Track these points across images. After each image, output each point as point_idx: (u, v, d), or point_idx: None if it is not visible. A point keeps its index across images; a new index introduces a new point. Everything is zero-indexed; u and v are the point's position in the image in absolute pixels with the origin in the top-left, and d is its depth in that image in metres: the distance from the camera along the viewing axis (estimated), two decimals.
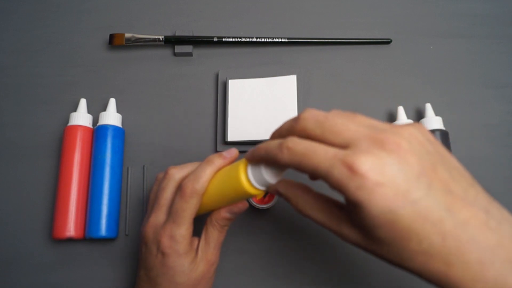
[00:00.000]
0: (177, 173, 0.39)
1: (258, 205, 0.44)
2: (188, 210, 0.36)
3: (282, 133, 0.31)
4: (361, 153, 0.24)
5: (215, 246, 0.39)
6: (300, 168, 0.27)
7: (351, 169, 0.24)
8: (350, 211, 0.27)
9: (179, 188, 0.36)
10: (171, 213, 0.36)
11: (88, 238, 0.44)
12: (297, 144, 0.27)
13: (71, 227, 0.44)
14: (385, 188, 0.23)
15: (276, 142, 0.29)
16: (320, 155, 0.26)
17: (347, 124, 0.27)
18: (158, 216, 0.37)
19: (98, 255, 0.46)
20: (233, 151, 0.37)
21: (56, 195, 0.45)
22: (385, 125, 0.27)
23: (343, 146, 0.26)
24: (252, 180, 0.32)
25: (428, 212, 0.24)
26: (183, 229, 0.36)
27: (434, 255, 0.24)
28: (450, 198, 0.24)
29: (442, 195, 0.24)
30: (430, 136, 0.27)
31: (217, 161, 0.36)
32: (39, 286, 0.45)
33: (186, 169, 0.39)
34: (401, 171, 0.24)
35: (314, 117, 0.28)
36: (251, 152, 0.32)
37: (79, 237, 0.44)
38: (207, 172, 0.36)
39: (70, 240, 0.46)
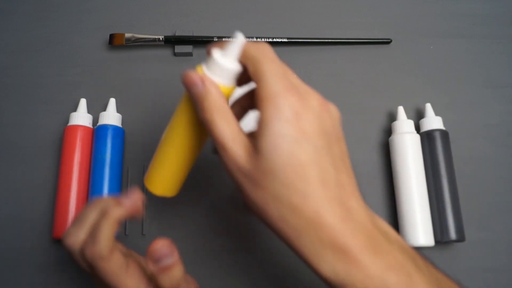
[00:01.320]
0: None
1: None
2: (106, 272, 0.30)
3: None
4: (299, 93, 0.28)
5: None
6: (249, 65, 0.29)
7: (287, 90, 0.28)
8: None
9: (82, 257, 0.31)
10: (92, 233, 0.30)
11: None
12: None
13: None
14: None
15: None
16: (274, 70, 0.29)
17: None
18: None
19: None
20: (135, 196, 0.32)
21: (56, 195, 0.45)
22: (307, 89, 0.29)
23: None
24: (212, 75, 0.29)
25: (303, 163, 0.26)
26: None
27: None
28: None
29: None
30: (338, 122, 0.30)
31: (115, 212, 0.30)
32: (39, 286, 0.45)
33: (83, 228, 0.31)
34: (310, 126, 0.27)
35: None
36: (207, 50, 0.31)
37: None
38: (105, 231, 0.30)
39: None
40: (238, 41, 0.29)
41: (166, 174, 0.35)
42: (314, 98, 0.28)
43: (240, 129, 0.29)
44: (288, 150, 0.26)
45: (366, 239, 0.26)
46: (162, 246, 0.29)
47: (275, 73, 0.28)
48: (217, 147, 0.29)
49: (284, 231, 0.27)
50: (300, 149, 0.26)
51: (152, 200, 0.47)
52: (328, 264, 0.26)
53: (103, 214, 0.30)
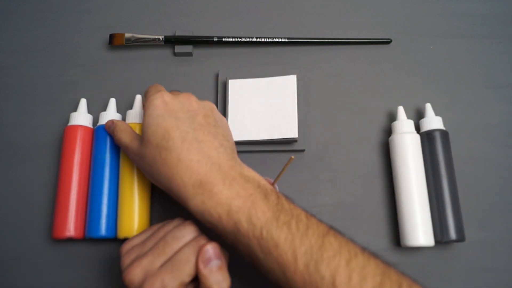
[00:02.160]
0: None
1: None
2: (193, 266, 0.33)
3: None
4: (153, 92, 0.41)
5: None
6: None
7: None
8: None
9: (195, 240, 0.35)
10: (173, 262, 0.33)
11: (88, 238, 0.44)
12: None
13: (71, 227, 0.44)
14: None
15: None
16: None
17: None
18: (155, 258, 0.34)
19: (98, 255, 0.46)
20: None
21: (56, 195, 0.45)
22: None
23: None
24: None
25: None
26: (177, 283, 0.33)
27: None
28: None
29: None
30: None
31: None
32: (39, 286, 0.45)
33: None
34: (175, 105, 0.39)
35: None
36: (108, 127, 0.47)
37: (79, 237, 0.44)
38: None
39: (70, 240, 0.46)
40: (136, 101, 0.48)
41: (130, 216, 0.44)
42: (183, 95, 0.40)
43: (135, 136, 0.42)
44: (156, 122, 0.37)
45: (222, 175, 0.35)
46: (211, 248, 0.34)
47: (154, 90, 0.41)
48: (123, 149, 0.43)
49: (160, 181, 0.37)
50: (164, 120, 0.37)
51: (154, 199, 0.47)
52: (191, 198, 0.34)
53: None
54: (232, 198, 0.33)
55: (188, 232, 0.36)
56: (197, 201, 0.34)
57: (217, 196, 0.34)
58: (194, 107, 0.39)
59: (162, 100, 0.39)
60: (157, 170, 0.36)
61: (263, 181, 0.36)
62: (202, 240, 0.35)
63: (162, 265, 0.34)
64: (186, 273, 0.33)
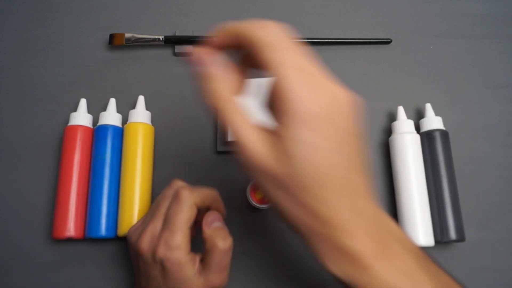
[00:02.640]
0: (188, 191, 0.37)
1: (258, 205, 0.44)
2: (180, 214, 0.35)
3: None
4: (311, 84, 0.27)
5: (217, 270, 0.35)
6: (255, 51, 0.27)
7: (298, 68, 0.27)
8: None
9: (175, 194, 0.36)
10: (166, 220, 0.36)
11: (88, 238, 0.44)
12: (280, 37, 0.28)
13: (71, 227, 0.44)
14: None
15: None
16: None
17: None
18: (156, 225, 0.36)
19: (98, 255, 0.46)
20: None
21: (56, 195, 0.45)
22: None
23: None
24: None
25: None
26: (178, 237, 0.34)
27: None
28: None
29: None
30: None
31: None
32: (39, 286, 0.45)
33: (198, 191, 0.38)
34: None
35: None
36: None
37: (79, 237, 0.44)
38: (205, 190, 0.38)
39: (70, 240, 0.46)
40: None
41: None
42: (339, 96, 0.27)
43: (258, 125, 0.27)
44: (318, 162, 0.25)
45: (375, 243, 0.26)
46: (212, 213, 0.37)
47: (293, 66, 0.26)
48: (235, 142, 0.27)
49: (298, 229, 0.27)
50: (327, 160, 0.26)
51: (154, 197, 0.47)
52: (338, 265, 0.27)
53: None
54: (394, 275, 0.26)
55: (171, 190, 0.38)
56: (345, 270, 0.27)
57: (374, 272, 0.26)
58: (351, 126, 0.28)
59: (319, 114, 0.26)
60: (296, 213, 0.27)
61: (405, 235, 0.29)
62: (181, 187, 0.37)
63: (162, 227, 0.36)
64: (180, 225, 0.35)
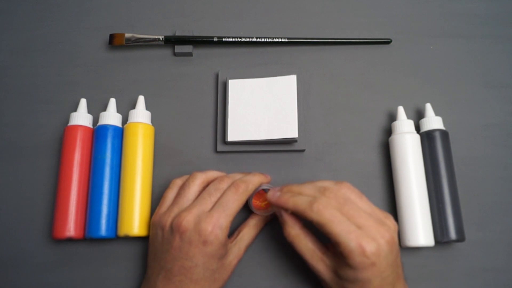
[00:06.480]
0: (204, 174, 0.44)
1: (259, 212, 0.44)
2: (237, 202, 0.40)
3: (303, 193, 0.38)
4: (369, 238, 0.35)
5: (246, 245, 0.43)
6: (320, 228, 0.36)
7: (361, 247, 0.34)
8: (337, 258, 0.36)
9: (233, 184, 0.41)
10: (221, 204, 0.40)
11: (88, 238, 0.44)
12: (326, 208, 0.35)
13: (71, 227, 0.44)
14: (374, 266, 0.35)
15: (306, 199, 0.37)
16: (343, 226, 0.35)
17: (360, 211, 0.36)
18: (204, 208, 0.40)
19: (98, 255, 0.46)
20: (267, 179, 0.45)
21: (56, 195, 0.45)
22: (384, 217, 0.37)
23: (357, 225, 0.35)
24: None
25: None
26: (229, 220, 0.39)
27: None
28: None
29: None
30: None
31: (261, 177, 0.44)
32: (39, 286, 0.45)
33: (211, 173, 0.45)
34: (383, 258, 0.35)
35: (337, 198, 0.37)
36: (277, 200, 0.39)
37: (79, 237, 0.44)
38: (256, 179, 0.43)
39: (70, 240, 0.46)
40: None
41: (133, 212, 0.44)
42: (381, 236, 0.35)
43: (316, 249, 0.39)
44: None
45: None
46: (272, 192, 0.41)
47: (346, 230, 0.35)
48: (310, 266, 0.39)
49: None
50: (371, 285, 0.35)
51: (154, 196, 0.47)
52: None
53: (255, 175, 0.44)
54: None
55: (226, 183, 0.42)
56: None
57: None
58: (393, 257, 0.37)
59: (367, 259, 0.35)
60: None
61: None
62: (238, 180, 0.42)
63: (212, 208, 0.40)
64: (234, 211, 0.40)
